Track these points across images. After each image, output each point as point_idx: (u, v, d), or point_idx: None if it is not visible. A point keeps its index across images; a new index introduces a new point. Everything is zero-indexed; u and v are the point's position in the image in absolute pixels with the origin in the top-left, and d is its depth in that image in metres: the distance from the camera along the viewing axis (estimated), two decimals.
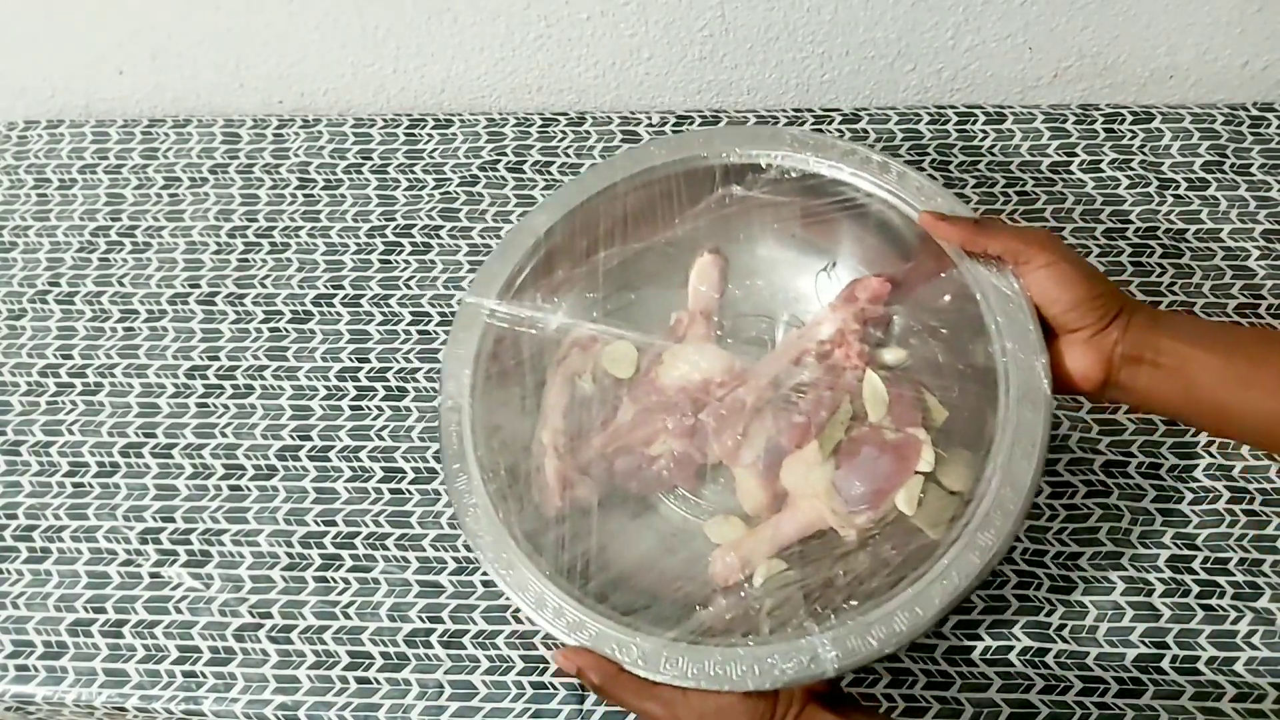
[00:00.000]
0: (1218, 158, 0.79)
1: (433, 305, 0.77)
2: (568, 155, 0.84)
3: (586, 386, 0.66)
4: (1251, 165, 0.78)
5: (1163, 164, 0.79)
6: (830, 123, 0.83)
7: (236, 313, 0.78)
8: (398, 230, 0.81)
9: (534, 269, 0.64)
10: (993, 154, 0.80)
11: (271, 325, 0.77)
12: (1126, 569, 0.64)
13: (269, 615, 0.66)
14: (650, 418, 0.64)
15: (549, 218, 0.64)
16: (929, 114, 0.83)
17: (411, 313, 0.77)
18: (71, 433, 0.74)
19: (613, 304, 0.68)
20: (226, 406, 0.74)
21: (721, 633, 0.53)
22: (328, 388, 0.74)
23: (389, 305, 0.78)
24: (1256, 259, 0.74)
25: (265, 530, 0.69)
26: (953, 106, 0.83)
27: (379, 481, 0.71)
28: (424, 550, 0.68)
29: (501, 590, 0.54)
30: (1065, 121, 0.82)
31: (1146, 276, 0.74)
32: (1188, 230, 0.76)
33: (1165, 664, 0.61)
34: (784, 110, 0.84)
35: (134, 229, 0.83)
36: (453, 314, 0.77)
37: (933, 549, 0.52)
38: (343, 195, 0.83)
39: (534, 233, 0.64)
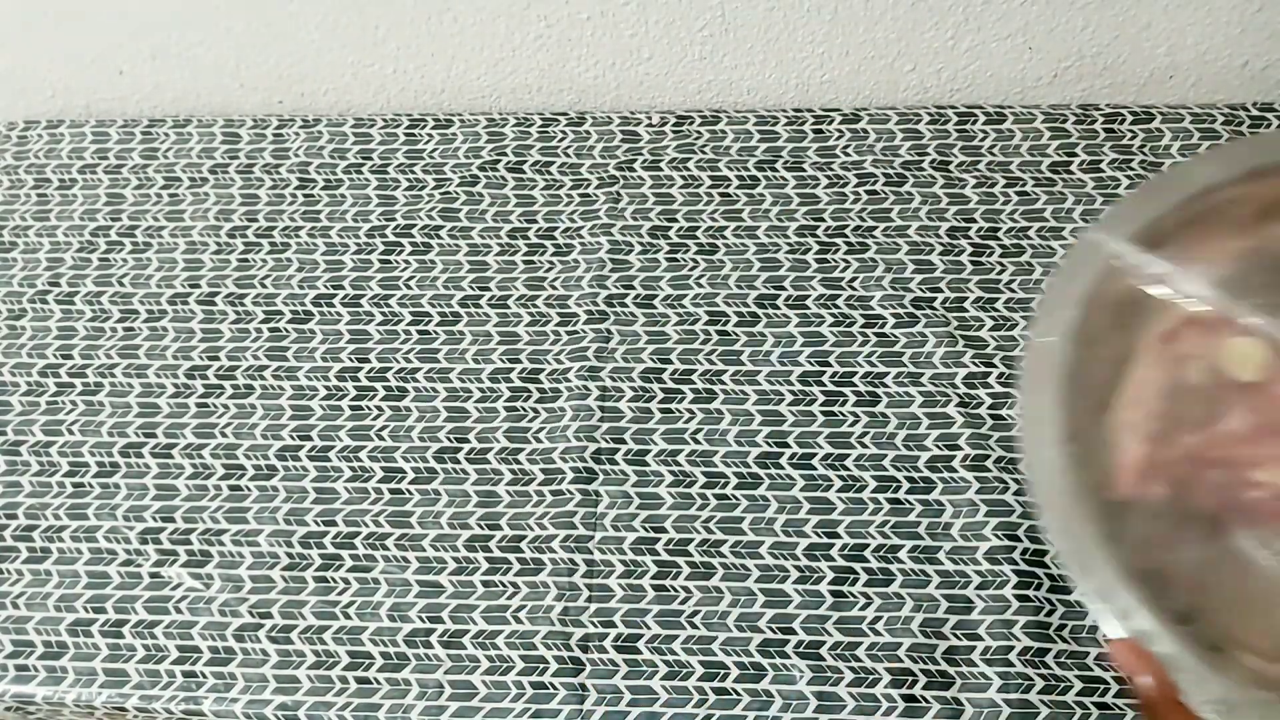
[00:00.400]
0: None
1: (433, 305, 0.77)
2: (568, 155, 0.84)
3: (1194, 375, 0.56)
4: None
5: (1163, 164, 0.79)
6: (830, 123, 0.83)
7: (236, 313, 0.78)
8: (398, 230, 0.81)
9: (1178, 223, 0.55)
10: (993, 154, 0.80)
11: (271, 325, 0.77)
12: None
13: (269, 615, 0.66)
14: (1272, 439, 0.54)
15: (1214, 172, 0.55)
16: (929, 114, 0.83)
17: (411, 313, 0.77)
18: (71, 433, 0.74)
19: (1262, 293, 0.56)
20: (226, 406, 0.74)
21: None
22: (328, 388, 0.74)
23: (389, 305, 0.78)
24: None
25: (265, 530, 0.69)
26: (953, 106, 0.83)
27: (379, 481, 0.71)
28: (424, 550, 0.68)
29: (1063, 565, 0.49)
30: (1065, 121, 0.82)
31: None
32: None
33: None
34: (784, 110, 0.84)
35: (134, 229, 0.83)
36: (453, 314, 0.77)
37: None
38: (343, 195, 0.83)
39: (1191, 184, 0.55)
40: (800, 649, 0.63)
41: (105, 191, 0.86)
